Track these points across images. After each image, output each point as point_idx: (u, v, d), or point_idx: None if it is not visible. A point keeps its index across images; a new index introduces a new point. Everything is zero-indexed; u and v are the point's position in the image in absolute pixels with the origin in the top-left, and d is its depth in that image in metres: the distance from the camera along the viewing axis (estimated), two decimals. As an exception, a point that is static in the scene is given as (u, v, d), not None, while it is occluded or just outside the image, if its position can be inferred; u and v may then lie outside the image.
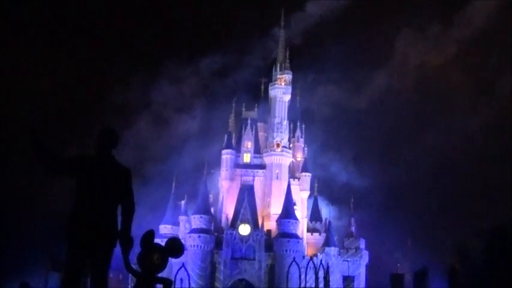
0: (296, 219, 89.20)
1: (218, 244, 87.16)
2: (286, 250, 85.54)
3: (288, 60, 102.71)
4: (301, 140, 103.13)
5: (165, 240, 7.10)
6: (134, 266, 6.80)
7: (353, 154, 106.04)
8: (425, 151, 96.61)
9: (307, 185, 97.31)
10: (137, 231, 7.06)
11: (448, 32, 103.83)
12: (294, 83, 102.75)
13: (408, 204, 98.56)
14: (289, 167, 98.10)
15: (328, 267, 74.71)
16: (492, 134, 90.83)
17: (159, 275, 6.85)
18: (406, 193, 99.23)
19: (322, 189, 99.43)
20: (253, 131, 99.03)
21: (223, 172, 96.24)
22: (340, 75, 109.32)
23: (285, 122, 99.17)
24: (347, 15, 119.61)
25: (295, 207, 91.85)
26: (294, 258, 71.40)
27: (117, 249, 6.94)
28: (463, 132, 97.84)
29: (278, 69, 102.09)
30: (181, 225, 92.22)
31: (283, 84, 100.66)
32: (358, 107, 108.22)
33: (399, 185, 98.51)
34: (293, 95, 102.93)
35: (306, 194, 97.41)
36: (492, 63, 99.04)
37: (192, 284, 73.79)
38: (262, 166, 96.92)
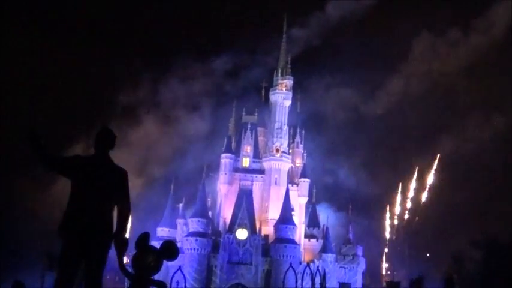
0: (294, 224, 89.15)
1: (215, 248, 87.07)
2: (283, 255, 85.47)
3: (289, 66, 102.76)
4: (301, 145, 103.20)
5: (161, 242, 7.09)
6: (129, 268, 6.79)
7: (359, 160, 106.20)
8: (433, 159, 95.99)
9: (306, 191, 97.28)
10: (134, 233, 7.06)
11: (465, 38, 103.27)
12: (295, 88, 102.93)
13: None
14: (288, 172, 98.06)
15: (324, 273, 74.58)
16: (504, 144, 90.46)
17: (155, 277, 6.84)
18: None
19: (321, 195, 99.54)
20: (253, 136, 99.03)
21: (222, 176, 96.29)
22: (354, 79, 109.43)
23: (285, 128, 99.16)
24: (364, 18, 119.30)
25: (293, 212, 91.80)
26: (291, 263, 71.37)
27: (113, 251, 6.93)
28: (475, 141, 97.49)
29: (279, 74, 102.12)
30: (179, 228, 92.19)
31: (284, 89, 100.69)
32: (369, 112, 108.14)
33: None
34: (294, 100, 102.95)
35: (304, 199, 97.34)
36: (508, 71, 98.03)
37: (188, 287, 73.69)
38: (261, 171, 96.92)
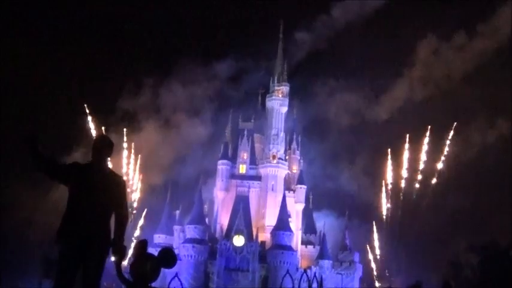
0: (291, 231, 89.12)
1: (212, 254, 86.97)
2: (280, 262, 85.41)
3: (285, 72, 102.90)
4: (297, 152, 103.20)
5: (158, 249, 7.10)
6: (126, 275, 6.79)
7: (359, 166, 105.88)
8: (433, 166, 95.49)
9: (303, 197, 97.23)
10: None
11: (470, 42, 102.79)
12: (292, 94, 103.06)
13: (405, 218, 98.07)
14: (285, 179, 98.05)
15: (321, 279, 74.46)
16: (507, 149, 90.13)
17: (152, 284, 6.84)
18: (404, 208, 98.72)
19: (321, 201, 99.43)
20: (250, 142, 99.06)
21: (219, 182, 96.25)
22: (357, 84, 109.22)
23: (282, 134, 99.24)
24: (368, 22, 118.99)
25: (289, 219, 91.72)
26: (288, 270, 71.22)
27: (110, 258, 6.95)
28: (478, 146, 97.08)
29: (276, 80, 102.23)
30: (176, 235, 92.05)
31: (280, 96, 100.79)
32: (371, 117, 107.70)
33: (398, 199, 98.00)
34: (291, 106, 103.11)
35: (301, 206, 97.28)
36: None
37: (185, 294, 73.54)
38: (257, 177, 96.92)
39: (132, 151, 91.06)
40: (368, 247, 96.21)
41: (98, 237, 6.82)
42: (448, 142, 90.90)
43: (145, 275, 6.63)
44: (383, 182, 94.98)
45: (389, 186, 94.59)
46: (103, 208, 6.90)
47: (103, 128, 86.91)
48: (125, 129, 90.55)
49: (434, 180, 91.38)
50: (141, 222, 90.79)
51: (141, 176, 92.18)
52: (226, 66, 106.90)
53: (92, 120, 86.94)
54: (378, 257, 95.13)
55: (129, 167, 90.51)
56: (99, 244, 6.82)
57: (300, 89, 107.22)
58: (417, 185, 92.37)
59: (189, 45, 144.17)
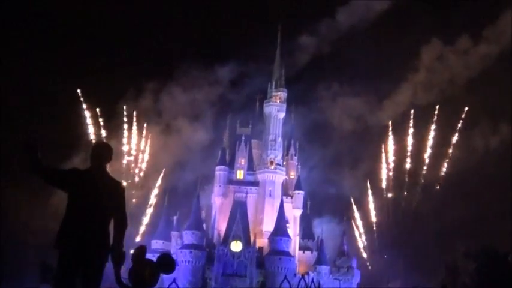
0: (288, 236, 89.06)
1: (210, 260, 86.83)
2: (277, 267, 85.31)
3: (283, 78, 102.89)
4: (295, 157, 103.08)
5: (156, 255, 7.10)
6: (125, 281, 6.80)
7: (360, 172, 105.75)
8: (434, 171, 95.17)
9: (300, 203, 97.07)
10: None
11: (475, 47, 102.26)
12: (290, 100, 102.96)
13: (403, 224, 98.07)
14: (282, 184, 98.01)
15: (319, 285, 74.52)
16: (509, 154, 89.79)
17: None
18: (403, 213, 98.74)
19: (319, 207, 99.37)
20: (247, 148, 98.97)
21: (216, 188, 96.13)
22: (361, 88, 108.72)
23: (279, 140, 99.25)
24: (372, 26, 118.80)
25: (287, 225, 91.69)
26: (286, 275, 71.35)
27: (109, 264, 6.95)
28: (481, 152, 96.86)
29: (273, 86, 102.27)
30: (173, 241, 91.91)
31: (278, 101, 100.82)
32: (373, 122, 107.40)
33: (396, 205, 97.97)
34: (288, 112, 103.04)
35: (299, 211, 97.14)
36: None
37: (183, 300, 73.42)
38: (255, 183, 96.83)
39: (132, 154, 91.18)
40: (366, 251, 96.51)
41: (97, 242, 6.81)
42: (451, 147, 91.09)
43: (144, 281, 6.64)
44: (384, 165, 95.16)
45: (392, 171, 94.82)
46: (102, 213, 6.90)
47: (102, 130, 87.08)
48: (124, 133, 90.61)
49: (435, 185, 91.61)
50: (143, 222, 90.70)
51: (141, 181, 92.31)
52: (227, 70, 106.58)
53: (92, 124, 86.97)
54: (376, 261, 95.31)
55: (130, 171, 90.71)
56: (98, 249, 6.82)
57: (301, 94, 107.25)
58: (417, 189, 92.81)
59: (189, 49, 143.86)
